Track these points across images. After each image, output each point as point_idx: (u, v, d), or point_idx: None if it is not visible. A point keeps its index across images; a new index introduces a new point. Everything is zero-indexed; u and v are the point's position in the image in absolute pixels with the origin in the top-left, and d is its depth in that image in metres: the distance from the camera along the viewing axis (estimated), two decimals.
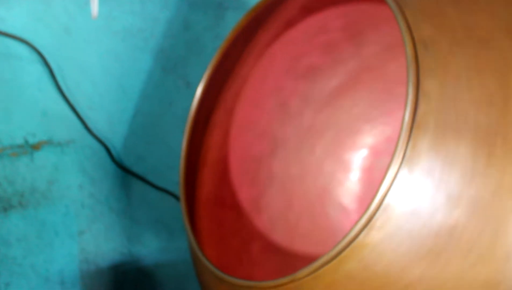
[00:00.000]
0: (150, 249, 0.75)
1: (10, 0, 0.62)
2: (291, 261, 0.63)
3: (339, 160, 0.66)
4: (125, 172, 0.73)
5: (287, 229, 0.64)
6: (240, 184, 0.64)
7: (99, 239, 0.73)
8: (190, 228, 0.54)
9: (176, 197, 0.75)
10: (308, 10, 0.56)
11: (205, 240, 0.60)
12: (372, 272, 0.35)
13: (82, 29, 0.66)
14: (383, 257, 0.35)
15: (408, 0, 0.39)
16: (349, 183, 0.67)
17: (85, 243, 0.71)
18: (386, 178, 0.34)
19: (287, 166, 0.66)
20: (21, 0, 0.63)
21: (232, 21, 0.71)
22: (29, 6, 0.63)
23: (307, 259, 0.62)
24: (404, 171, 0.34)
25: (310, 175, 0.66)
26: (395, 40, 0.56)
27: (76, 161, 0.69)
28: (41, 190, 0.67)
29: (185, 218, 0.55)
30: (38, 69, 0.64)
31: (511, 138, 0.34)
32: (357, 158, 0.67)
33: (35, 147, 0.66)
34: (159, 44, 0.70)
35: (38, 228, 0.68)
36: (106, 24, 0.67)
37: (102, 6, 0.64)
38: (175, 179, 0.74)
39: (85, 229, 0.72)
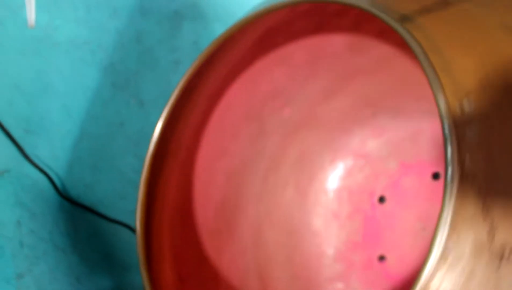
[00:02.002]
0: (101, 288, 0.67)
1: None
2: None
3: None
4: (71, 204, 0.64)
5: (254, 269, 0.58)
6: (204, 210, 0.58)
7: (42, 282, 0.63)
8: (145, 268, 0.47)
9: (131, 228, 0.67)
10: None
11: (162, 279, 0.53)
12: None
13: (15, 39, 0.57)
14: None
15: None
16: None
17: (25, 288, 0.62)
18: None
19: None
20: None
21: (190, 32, 0.64)
22: None
23: None
24: None
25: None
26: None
27: (11, 194, 0.60)
28: None
29: (140, 254, 0.49)
30: None
31: None
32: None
33: None
34: (107, 57, 0.62)
35: None
36: (46, 34, 0.58)
37: (40, 13, 0.56)
38: (129, 208, 0.66)
39: (24, 272, 0.62)
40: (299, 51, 0.55)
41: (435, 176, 0.56)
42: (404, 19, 0.34)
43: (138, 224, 0.50)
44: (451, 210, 0.29)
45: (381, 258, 0.58)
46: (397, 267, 0.57)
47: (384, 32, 0.52)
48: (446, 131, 0.30)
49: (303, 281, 0.60)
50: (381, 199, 0.59)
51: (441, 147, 0.33)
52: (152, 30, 0.63)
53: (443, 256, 0.29)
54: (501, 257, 0.29)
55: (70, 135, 0.63)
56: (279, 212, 0.61)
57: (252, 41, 0.52)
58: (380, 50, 0.54)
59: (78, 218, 0.65)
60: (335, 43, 0.54)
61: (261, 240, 0.60)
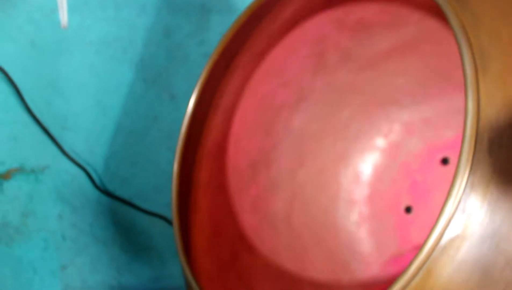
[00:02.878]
0: (141, 279, 0.69)
1: None
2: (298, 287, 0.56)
3: (366, 127, 0.60)
4: (109, 197, 0.66)
5: (295, 253, 0.58)
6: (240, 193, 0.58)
7: (84, 273, 0.66)
8: (184, 259, 0.47)
9: (168, 221, 0.69)
10: None
11: (201, 268, 0.53)
12: None
13: (50, 41, 0.59)
14: None
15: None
16: (371, 155, 0.60)
17: (69, 279, 0.64)
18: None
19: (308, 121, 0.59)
20: None
21: (217, 25, 0.65)
22: None
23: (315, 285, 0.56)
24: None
25: (330, 135, 0.60)
26: None
27: (53, 189, 0.62)
28: (14, 224, 0.60)
29: (178, 245, 0.49)
30: (2, 89, 0.57)
31: None
32: (386, 130, 0.60)
33: (5, 176, 0.59)
34: (138, 53, 0.64)
35: (14, 267, 0.61)
36: (78, 34, 0.60)
37: (72, 14, 0.58)
38: (165, 201, 0.67)
39: (68, 263, 0.65)
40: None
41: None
42: None
43: (174, 215, 0.50)
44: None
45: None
46: None
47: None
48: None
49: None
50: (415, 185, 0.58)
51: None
52: (180, 24, 0.64)
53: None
54: None
55: (106, 131, 0.65)
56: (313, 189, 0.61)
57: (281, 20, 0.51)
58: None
59: (116, 211, 0.67)
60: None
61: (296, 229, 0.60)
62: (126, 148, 0.67)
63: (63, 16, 0.52)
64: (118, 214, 0.67)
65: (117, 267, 0.68)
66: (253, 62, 0.55)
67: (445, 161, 0.56)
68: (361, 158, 0.61)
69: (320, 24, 0.54)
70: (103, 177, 0.66)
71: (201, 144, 0.56)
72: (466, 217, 0.29)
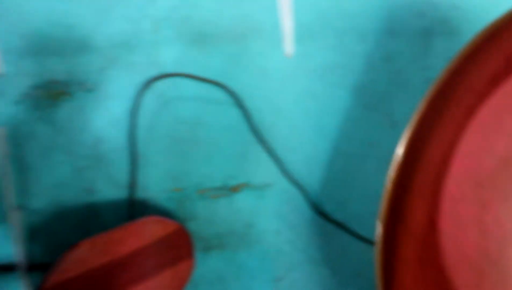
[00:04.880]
0: None
1: (207, 46, 0.65)
2: None
3: None
4: (324, 219, 0.68)
5: None
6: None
7: (296, 288, 0.69)
8: None
9: None
10: None
11: None
12: None
13: (277, 69, 0.65)
14: None
15: None
16: None
17: None
18: None
19: None
20: (217, 45, 0.66)
21: (441, 49, 0.61)
22: (225, 50, 0.65)
23: None
24: None
25: None
26: None
27: (272, 205, 0.67)
28: (239, 233, 0.67)
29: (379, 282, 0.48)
30: (235, 112, 0.65)
31: None
32: None
33: (234, 189, 0.66)
34: (358, 79, 0.65)
35: (236, 271, 0.67)
36: (302, 62, 0.64)
37: (296, 44, 0.62)
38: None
39: (282, 276, 0.69)
40: None
41: None
42: None
43: (378, 243, 0.49)
44: None
45: None
46: None
47: None
48: None
49: None
50: None
51: None
52: (402, 49, 0.63)
53: None
54: None
55: (324, 154, 0.67)
56: None
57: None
58: None
59: (330, 233, 0.68)
60: None
61: None
62: (343, 172, 0.68)
63: (289, 46, 0.57)
64: (332, 236, 0.68)
65: (324, 288, 0.69)
66: (486, 87, 0.51)
67: None
68: None
69: None
70: (319, 199, 0.68)
71: (415, 177, 0.53)
72: None
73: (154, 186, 0.66)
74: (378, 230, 0.50)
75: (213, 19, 0.65)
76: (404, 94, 0.65)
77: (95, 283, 0.57)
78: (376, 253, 0.50)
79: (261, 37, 0.64)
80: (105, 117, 0.65)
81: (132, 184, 0.66)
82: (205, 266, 0.67)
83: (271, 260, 0.69)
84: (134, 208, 0.67)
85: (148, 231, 0.61)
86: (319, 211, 0.68)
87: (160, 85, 0.65)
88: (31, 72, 0.65)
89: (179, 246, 0.62)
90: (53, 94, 0.65)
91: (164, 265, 0.61)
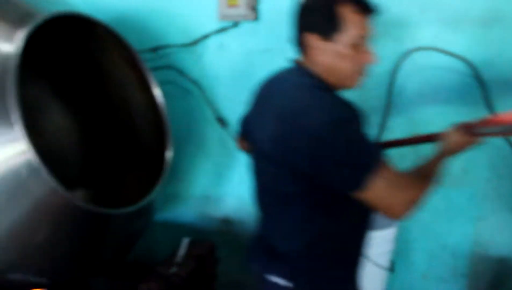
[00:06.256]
0: None
1: (458, 27, 0.80)
2: None
3: None
4: None
5: None
6: None
7: (495, 230, 0.84)
8: None
9: None
10: None
11: None
12: None
13: None
14: None
15: None
16: None
17: None
18: None
19: None
20: (466, 27, 0.80)
21: None
22: (472, 32, 0.79)
23: None
24: None
25: None
26: None
27: (485, 157, 0.82)
28: (455, 174, 0.81)
29: None
30: (473, 83, 0.80)
31: None
32: None
33: None
34: None
35: (447, 206, 0.82)
36: None
37: None
38: None
39: (484, 217, 0.84)
40: None
41: None
42: None
43: None
44: None
45: None
46: None
47: None
48: None
49: None
50: None
51: None
52: None
53: None
54: None
55: None
56: None
57: None
58: None
59: None
60: None
61: None
62: None
63: None
64: None
65: None
66: None
67: None
68: None
69: None
70: None
71: None
72: None
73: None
74: None
75: (466, 5, 0.79)
76: None
77: None
78: None
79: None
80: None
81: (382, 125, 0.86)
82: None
83: (477, 201, 0.82)
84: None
85: None
86: None
87: (417, 56, 0.82)
88: None
89: None
90: None
91: None
